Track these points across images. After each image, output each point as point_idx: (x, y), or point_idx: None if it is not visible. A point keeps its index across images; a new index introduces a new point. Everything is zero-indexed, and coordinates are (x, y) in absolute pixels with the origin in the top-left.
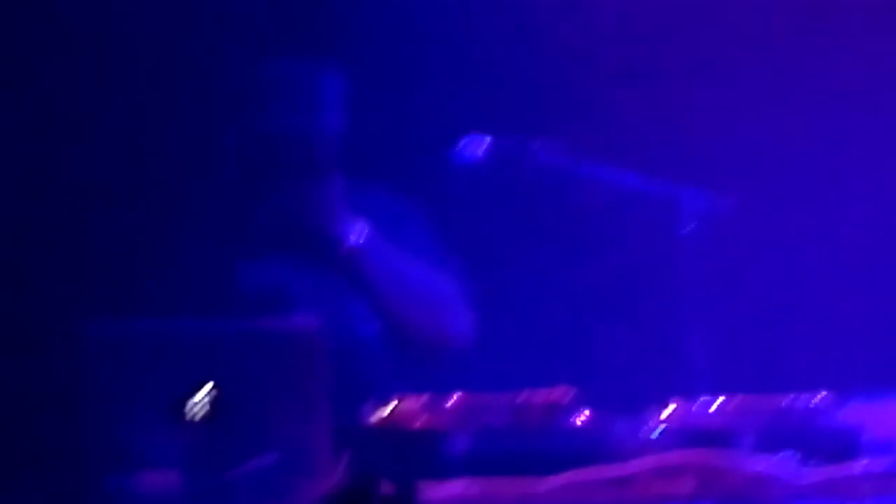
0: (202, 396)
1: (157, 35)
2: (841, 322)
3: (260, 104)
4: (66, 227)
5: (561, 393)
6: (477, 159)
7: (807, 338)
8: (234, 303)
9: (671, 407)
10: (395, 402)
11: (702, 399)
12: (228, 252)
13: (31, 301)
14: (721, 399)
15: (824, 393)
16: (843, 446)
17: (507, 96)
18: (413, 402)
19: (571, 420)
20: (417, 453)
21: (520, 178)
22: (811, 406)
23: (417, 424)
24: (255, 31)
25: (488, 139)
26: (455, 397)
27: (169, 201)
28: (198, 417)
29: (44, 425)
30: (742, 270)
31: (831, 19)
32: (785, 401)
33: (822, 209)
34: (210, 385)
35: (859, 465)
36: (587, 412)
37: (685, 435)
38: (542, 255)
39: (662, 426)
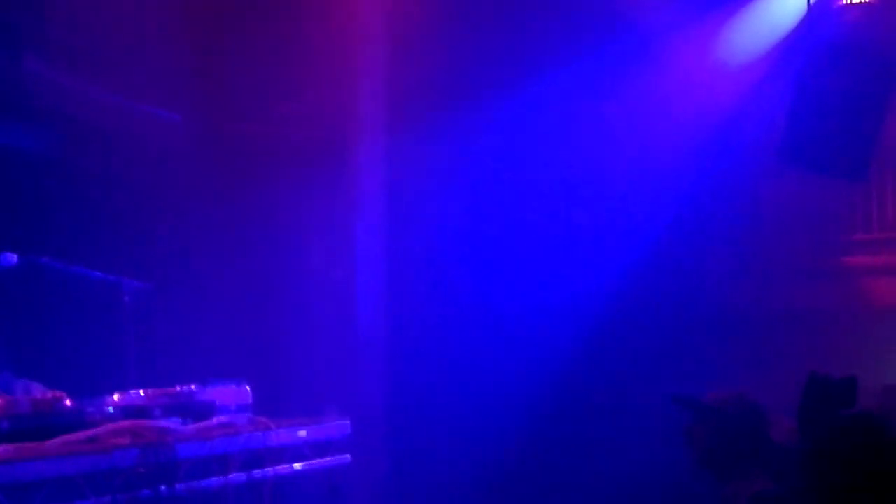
0: None
1: None
2: (201, 348)
3: None
4: None
5: (58, 393)
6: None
7: (184, 355)
8: None
9: (116, 396)
10: None
11: (132, 391)
12: None
13: None
14: (142, 391)
15: (194, 386)
16: (205, 410)
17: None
18: None
19: (65, 405)
20: None
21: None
22: (188, 390)
23: None
24: None
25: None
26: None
27: None
28: None
29: None
30: (156, 323)
31: None
32: (175, 389)
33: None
34: None
35: (214, 420)
36: (68, 400)
37: (125, 410)
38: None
39: (112, 406)
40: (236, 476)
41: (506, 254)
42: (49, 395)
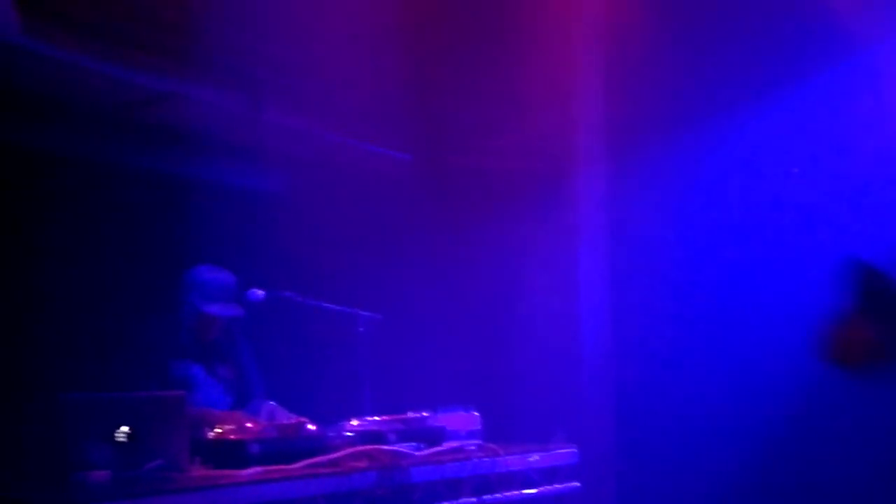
0: (123, 431)
1: None
2: (431, 375)
3: None
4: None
5: (301, 418)
6: (257, 299)
7: (415, 382)
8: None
9: (355, 421)
10: (219, 428)
11: (369, 417)
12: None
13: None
14: (379, 417)
15: (425, 412)
16: (436, 436)
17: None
18: (229, 426)
19: (308, 430)
20: (231, 453)
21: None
22: (421, 417)
23: (232, 437)
24: None
25: (262, 290)
26: (250, 424)
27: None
28: (122, 440)
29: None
30: (389, 352)
31: None
32: (408, 415)
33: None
34: (126, 427)
35: (445, 446)
36: (313, 425)
37: (362, 435)
38: (292, 345)
39: (351, 431)
40: (467, 500)
41: (736, 277)
42: (293, 420)
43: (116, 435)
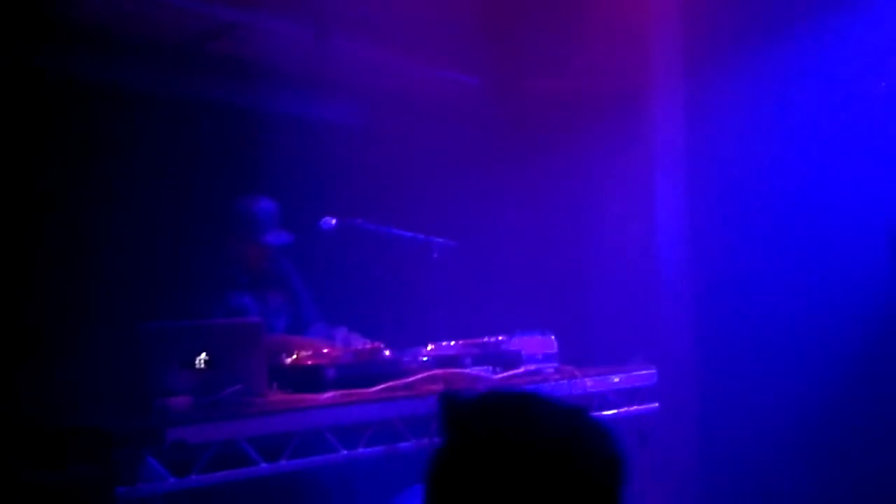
0: (202, 357)
1: None
2: (506, 300)
3: None
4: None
5: (377, 344)
6: (330, 228)
7: (490, 308)
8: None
9: (430, 346)
10: (296, 353)
11: (445, 342)
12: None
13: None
14: (453, 342)
15: (501, 336)
16: (512, 359)
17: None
18: (306, 352)
19: (383, 354)
20: (309, 378)
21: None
22: (496, 341)
23: (309, 363)
24: None
25: (335, 219)
26: (326, 349)
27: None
28: (201, 367)
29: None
30: (463, 278)
31: None
32: (484, 340)
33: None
34: (205, 353)
35: (522, 369)
36: (386, 350)
37: (437, 359)
38: (366, 272)
39: (426, 356)
40: None
41: (818, 199)
42: (369, 345)
43: (196, 362)
